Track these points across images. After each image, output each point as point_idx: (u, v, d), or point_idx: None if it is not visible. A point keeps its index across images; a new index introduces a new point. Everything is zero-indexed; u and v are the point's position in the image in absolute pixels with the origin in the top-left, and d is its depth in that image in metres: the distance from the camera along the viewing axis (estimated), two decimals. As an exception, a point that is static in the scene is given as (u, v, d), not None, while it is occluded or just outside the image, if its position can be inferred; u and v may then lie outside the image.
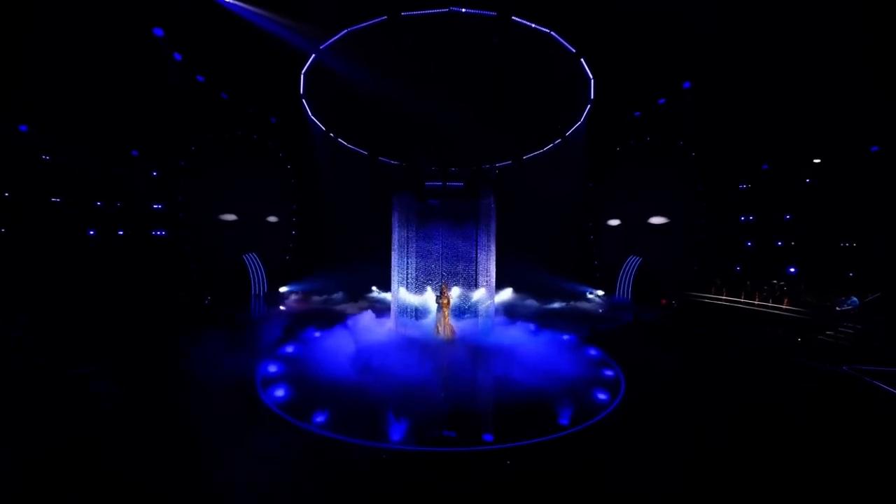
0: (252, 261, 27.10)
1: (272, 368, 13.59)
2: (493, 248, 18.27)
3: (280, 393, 11.66)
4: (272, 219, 28.50)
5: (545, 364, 13.50)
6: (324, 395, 11.27)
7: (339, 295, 26.24)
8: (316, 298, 25.89)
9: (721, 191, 24.91)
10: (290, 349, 15.60)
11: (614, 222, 28.88)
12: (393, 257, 18.69)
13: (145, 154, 22.79)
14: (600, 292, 27.73)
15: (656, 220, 27.15)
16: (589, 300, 26.65)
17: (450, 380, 12.44)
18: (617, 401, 11.54)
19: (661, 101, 21.74)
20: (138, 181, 23.26)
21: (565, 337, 17.41)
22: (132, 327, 16.71)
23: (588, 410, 10.86)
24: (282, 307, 23.83)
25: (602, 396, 11.72)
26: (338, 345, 15.28)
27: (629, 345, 16.56)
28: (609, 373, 13.65)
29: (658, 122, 23.03)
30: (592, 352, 15.73)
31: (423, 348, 14.98)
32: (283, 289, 27.07)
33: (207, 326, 17.55)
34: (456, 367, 13.32)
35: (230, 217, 26.87)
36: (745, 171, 24.21)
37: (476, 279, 19.40)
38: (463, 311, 19.99)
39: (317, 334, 17.16)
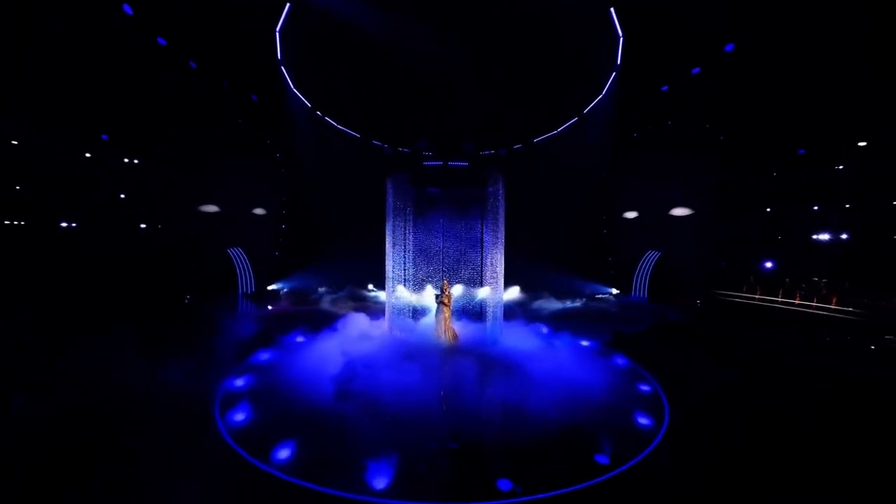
0: (238, 256, 24.92)
1: (239, 383, 11.36)
2: (502, 241, 15.87)
3: (240, 416, 9.44)
4: (259, 211, 26.28)
5: (567, 378, 11.15)
6: (295, 423, 9.04)
7: (332, 293, 24.08)
8: (307, 297, 23.71)
9: (753, 179, 22.46)
10: (265, 356, 13.35)
11: (631, 214, 26.58)
12: (387, 251, 16.39)
13: (116, 139, 20.53)
14: (615, 290, 25.55)
15: (679, 211, 24.83)
16: (604, 299, 24.43)
17: (452, 401, 10.15)
18: (664, 427, 9.22)
19: (696, 70, 18.95)
20: (108, 168, 21.04)
21: (585, 342, 15.13)
22: (95, 327, 14.45)
23: (630, 441, 8.58)
24: (269, 306, 21.74)
25: (644, 421, 9.43)
26: (323, 353, 12.99)
27: (661, 352, 14.15)
28: (645, 388, 11.35)
29: (686, 99, 20.30)
30: (619, 360, 13.41)
31: (421, 357, 12.66)
32: (271, 287, 24.97)
33: (180, 328, 15.82)
34: (459, 382, 10.95)
35: (212, 208, 24.67)
36: (781, 157, 21.69)
37: (482, 276, 17.15)
38: (466, 311, 17.85)
39: (300, 339, 14.93)
